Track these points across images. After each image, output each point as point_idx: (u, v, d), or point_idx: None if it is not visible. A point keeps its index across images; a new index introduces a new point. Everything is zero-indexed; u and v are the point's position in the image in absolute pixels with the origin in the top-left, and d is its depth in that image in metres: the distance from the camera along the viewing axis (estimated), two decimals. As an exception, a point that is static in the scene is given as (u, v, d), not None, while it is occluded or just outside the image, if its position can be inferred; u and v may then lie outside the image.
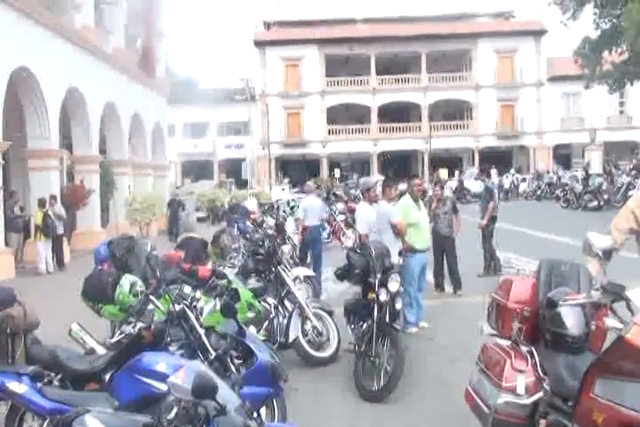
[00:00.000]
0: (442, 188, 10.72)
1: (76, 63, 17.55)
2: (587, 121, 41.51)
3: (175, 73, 45.49)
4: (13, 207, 15.28)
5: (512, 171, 37.65)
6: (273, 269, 6.60)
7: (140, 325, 4.18)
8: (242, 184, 39.20)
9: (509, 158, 45.18)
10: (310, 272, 8.20)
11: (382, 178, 12.02)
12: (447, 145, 42.82)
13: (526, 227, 17.40)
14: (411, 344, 6.41)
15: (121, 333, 4.55)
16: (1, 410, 3.96)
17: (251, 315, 5.65)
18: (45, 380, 3.74)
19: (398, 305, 5.74)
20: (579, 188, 24.89)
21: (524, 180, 35.50)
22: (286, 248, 8.68)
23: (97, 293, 5.41)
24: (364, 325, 5.73)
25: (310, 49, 43.28)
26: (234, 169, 42.48)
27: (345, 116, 44.54)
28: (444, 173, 38.50)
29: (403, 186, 8.51)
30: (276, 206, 18.95)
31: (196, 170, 46.04)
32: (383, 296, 5.56)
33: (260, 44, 43.91)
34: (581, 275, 3.54)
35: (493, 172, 33.68)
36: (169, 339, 4.00)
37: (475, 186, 29.68)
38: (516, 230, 16.57)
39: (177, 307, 4.06)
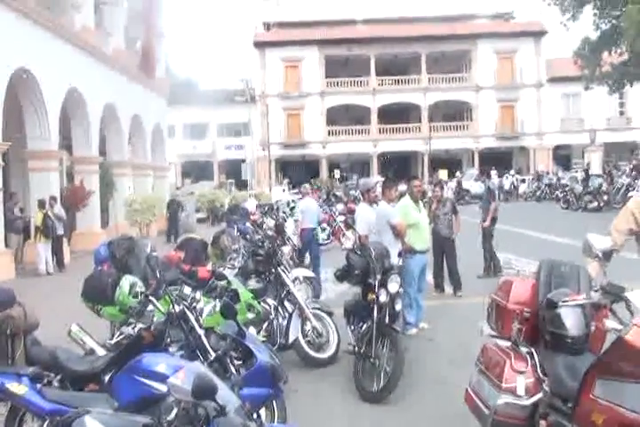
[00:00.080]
0: (441, 189, 10.70)
1: (76, 64, 17.56)
2: (586, 122, 41.51)
3: (175, 74, 45.57)
4: (13, 208, 15.28)
5: (512, 172, 37.66)
6: (273, 270, 6.59)
7: (139, 326, 4.19)
8: (242, 185, 39.21)
9: (509, 159, 45.19)
10: (310, 273, 8.19)
11: (382, 179, 12.01)
12: (447, 146, 42.84)
13: (526, 228, 17.38)
14: (410, 345, 6.40)
15: (121, 334, 4.57)
16: (1, 411, 3.96)
17: (250, 316, 5.64)
18: (45, 381, 3.74)
19: (398, 306, 5.74)
20: (579, 189, 24.90)
21: (523, 181, 35.53)
22: (286, 249, 8.68)
23: (97, 293, 5.42)
24: (364, 326, 5.73)
25: (310, 50, 43.28)
26: (234, 170, 42.48)
27: (345, 116, 44.56)
28: (443, 174, 38.46)
29: (402, 187, 8.50)
30: (275, 207, 18.93)
31: (196, 171, 46.08)
32: (383, 297, 5.56)
33: (259, 44, 43.92)
34: (581, 276, 3.54)
35: (493, 173, 33.53)
36: (169, 340, 4.00)
37: (475, 187, 29.69)
38: (515, 231, 16.55)
39: (177, 308, 4.06)
